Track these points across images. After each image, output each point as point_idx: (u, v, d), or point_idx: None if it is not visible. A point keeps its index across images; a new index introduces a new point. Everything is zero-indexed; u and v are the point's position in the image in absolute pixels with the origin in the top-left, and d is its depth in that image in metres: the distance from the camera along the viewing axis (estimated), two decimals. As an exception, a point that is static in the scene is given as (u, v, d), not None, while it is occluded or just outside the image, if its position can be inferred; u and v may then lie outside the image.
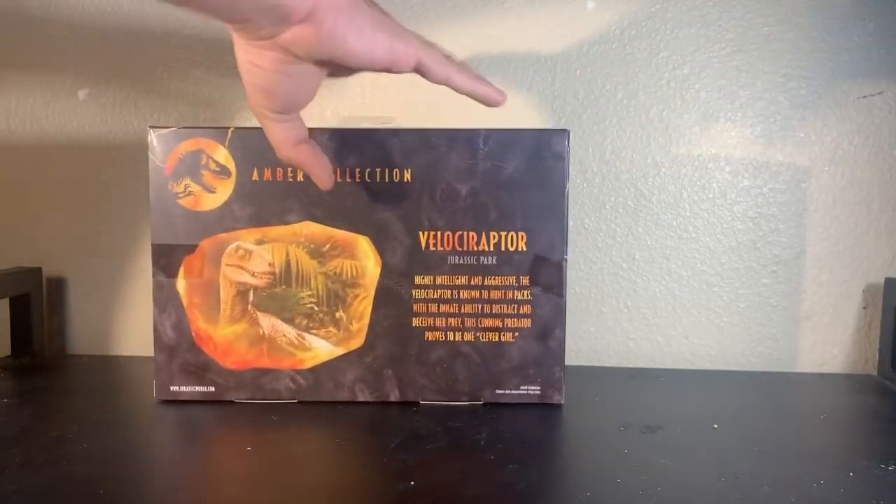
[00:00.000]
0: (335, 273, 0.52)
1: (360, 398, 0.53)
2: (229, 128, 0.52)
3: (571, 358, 0.67)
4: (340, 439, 0.47)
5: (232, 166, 0.52)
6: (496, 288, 0.52)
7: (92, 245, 0.71)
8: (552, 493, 0.38)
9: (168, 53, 0.69)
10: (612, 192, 0.67)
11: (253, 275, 0.52)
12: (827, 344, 0.67)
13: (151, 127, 0.52)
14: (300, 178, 0.52)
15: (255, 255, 0.52)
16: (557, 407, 0.53)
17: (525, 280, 0.52)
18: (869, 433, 0.50)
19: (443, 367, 0.53)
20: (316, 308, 0.52)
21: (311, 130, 0.52)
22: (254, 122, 0.69)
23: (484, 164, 0.52)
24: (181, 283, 0.53)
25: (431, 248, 0.52)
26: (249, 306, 0.53)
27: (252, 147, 0.52)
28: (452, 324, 0.52)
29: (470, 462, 0.42)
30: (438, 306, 0.52)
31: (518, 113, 0.67)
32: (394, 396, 0.53)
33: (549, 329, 0.52)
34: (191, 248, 0.52)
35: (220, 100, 0.69)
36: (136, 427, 0.49)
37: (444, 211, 0.52)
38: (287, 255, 0.52)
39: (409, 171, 0.52)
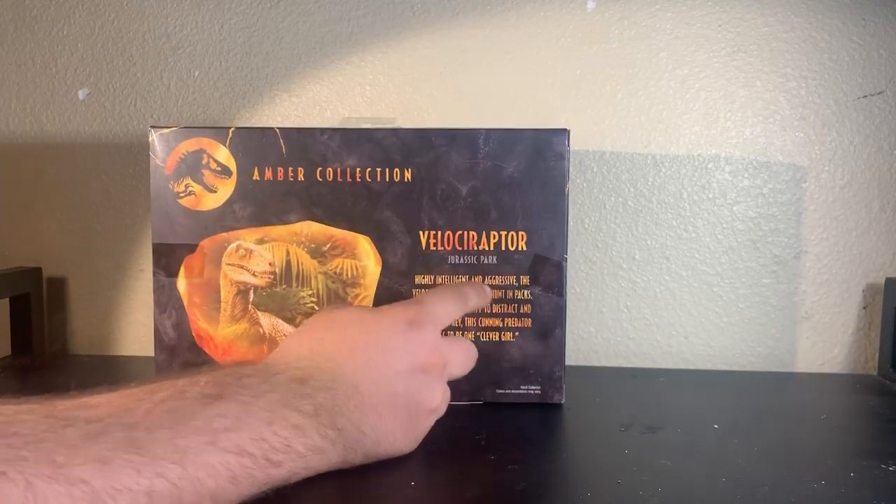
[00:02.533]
0: (335, 272, 0.52)
1: (361, 398, 0.53)
2: (230, 127, 0.52)
3: (571, 358, 0.67)
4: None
5: (233, 166, 0.52)
6: (496, 287, 0.52)
7: (92, 245, 0.71)
8: (553, 493, 0.38)
9: (168, 53, 0.69)
10: (612, 192, 0.67)
11: (253, 274, 0.52)
12: (827, 344, 0.67)
13: (153, 126, 0.52)
14: (301, 177, 0.52)
15: (255, 254, 0.52)
16: (558, 407, 0.53)
17: (525, 280, 0.52)
18: (869, 433, 0.50)
19: (443, 366, 0.53)
20: (316, 307, 0.52)
21: (312, 130, 0.52)
22: (254, 122, 0.69)
23: (484, 164, 0.52)
24: (182, 283, 0.53)
25: (432, 247, 0.52)
26: (250, 306, 0.53)
27: (253, 147, 0.52)
28: (453, 323, 0.52)
29: (470, 462, 0.42)
30: (439, 306, 0.52)
31: (518, 113, 0.67)
32: (394, 396, 0.53)
33: (550, 329, 0.52)
34: (191, 248, 0.52)
35: (220, 100, 0.69)
36: (136, 427, 0.48)
37: (444, 210, 0.52)
38: (287, 254, 0.52)
39: (410, 170, 0.52)
